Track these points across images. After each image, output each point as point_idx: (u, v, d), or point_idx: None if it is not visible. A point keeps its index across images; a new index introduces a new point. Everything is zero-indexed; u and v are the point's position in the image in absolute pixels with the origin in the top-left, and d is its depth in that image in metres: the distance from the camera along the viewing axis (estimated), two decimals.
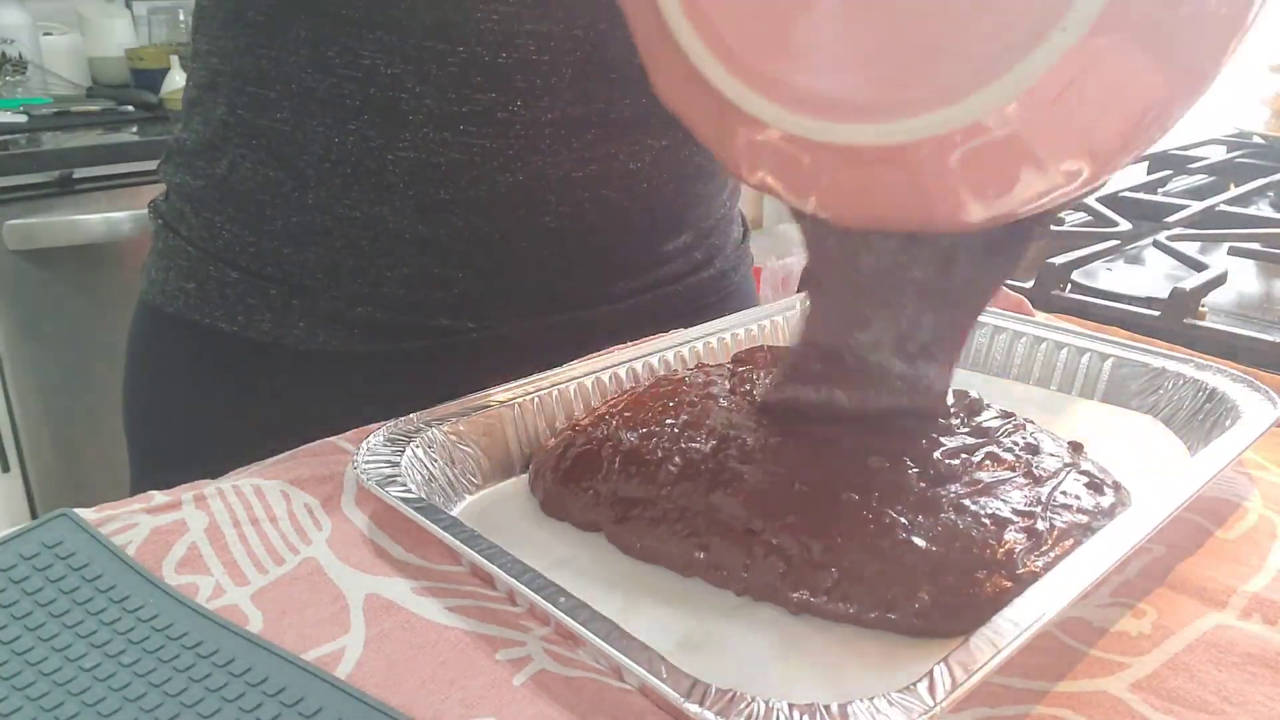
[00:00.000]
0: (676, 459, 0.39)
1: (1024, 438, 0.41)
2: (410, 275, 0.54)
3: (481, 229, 0.53)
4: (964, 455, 0.39)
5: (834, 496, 0.36)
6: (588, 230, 0.56)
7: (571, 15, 0.50)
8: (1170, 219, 0.84)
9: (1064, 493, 0.38)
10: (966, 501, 0.36)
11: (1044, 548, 0.34)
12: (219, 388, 0.57)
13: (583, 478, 0.39)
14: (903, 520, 0.35)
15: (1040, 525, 0.35)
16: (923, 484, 0.37)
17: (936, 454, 0.39)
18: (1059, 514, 0.36)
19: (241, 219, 0.55)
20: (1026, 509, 0.36)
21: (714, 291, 0.65)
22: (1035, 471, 0.39)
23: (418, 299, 0.54)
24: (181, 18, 1.93)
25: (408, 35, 0.49)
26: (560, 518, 0.39)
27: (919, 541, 0.34)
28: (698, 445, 0.40)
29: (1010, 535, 0.34)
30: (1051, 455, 0.40)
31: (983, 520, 0.35)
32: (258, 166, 0.53)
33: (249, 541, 0.37)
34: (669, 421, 0.42)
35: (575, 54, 0.51)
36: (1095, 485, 0.39)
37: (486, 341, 0.56)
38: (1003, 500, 0.36)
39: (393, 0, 0.48)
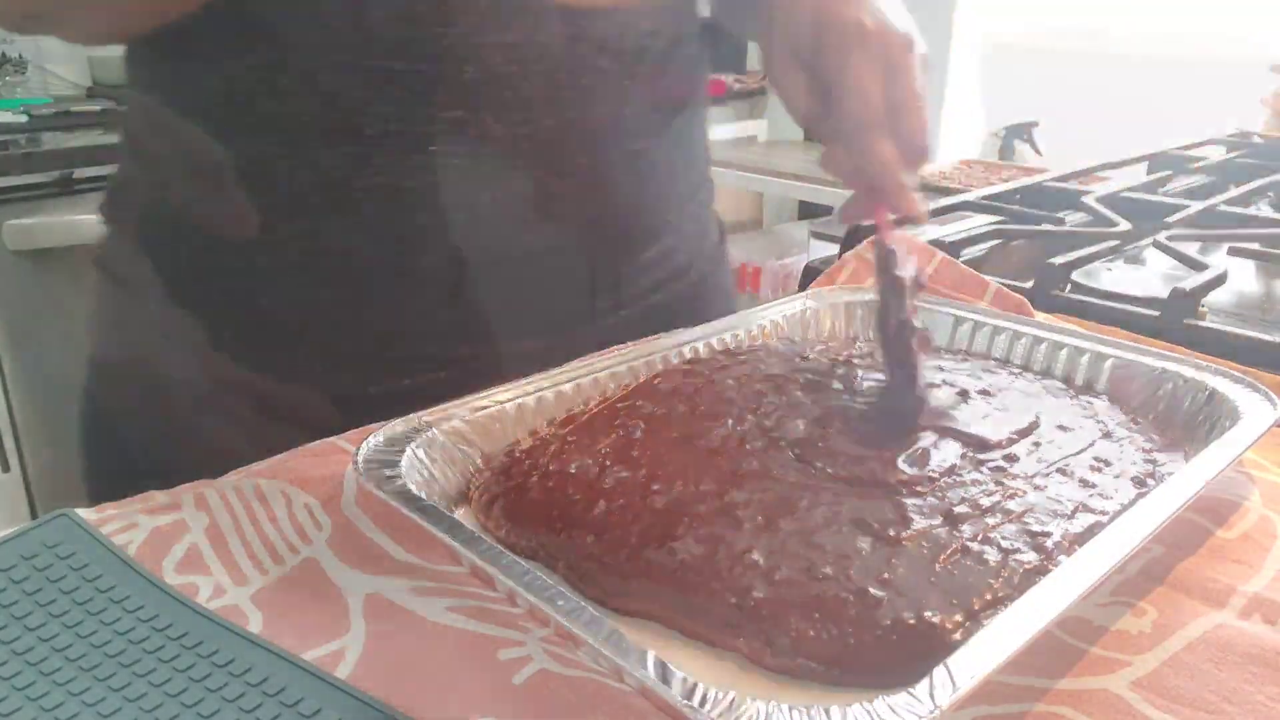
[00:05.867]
0: (603, 503, 0.37)
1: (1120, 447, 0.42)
2: (390, 305, 0.51)
3: (462, 254, 0.51)
4: (997, 484, 0.38)
5: (806, 571, 0.32)
6: (571, 246, 0.54)
7: (537, 23, 0.48)
8: (1170, 219, 0.84)
9: (1101, 494, 0.38)
10: (973, 544, 0.34)
11: (1053, 560, 0.33)
12: (183, 436, 0.54)
13: (512, 521, 0.38)
14: (886, 595, 0.31)
15: (1052, 541, 0.34)
16: (924, 534, 0.35)
17: (954, 496, 0.37)
18: (1079, 519, 0.36)
19: (204, 258, 0.51)
20: (1043, 530, 0.35)
21: (699, 296, 0.64)
22: (1092, 479, 0.39)
23: (399, 329, 0.52)
24: None
25: (365, 55, 0.46)
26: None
27: (909, 618, 0.31)
28: (628, 479, 0.38)
29: (1014, 562, 0.33)
30: (1130, 463, 0.40)
31: (985, 559, 0.33)
32: (217, 202, 0.50)
33: (249, 542, 0.37)
34: (604, 450, 0.40)
35: (544, 62, 0.49)
36: (1140, 481, 0.39)
37: (479, 370, 0.52)
38: (1024, 523, 0.35)
39: (346, 21, 0.46)
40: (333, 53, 0.47)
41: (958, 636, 0.30)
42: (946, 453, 0.40)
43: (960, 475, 0.39)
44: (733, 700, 0.25)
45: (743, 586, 0.32)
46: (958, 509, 0.37)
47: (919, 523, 0.35)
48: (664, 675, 0.26)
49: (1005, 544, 0.34)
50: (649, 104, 0.55)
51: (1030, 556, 0.34)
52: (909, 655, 0.30)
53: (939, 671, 0.26)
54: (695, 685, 0.26)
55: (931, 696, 0.25)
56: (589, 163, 0.53)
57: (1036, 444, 0.42)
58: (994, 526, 0.35)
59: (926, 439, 0.42)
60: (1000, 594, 0.32)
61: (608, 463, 0.39)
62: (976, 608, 0.31)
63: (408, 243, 0.51)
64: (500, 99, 0.49)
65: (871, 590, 0.32)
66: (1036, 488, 0.38)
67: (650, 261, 0.60)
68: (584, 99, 0.52)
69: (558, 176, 0.52)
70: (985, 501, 0.37)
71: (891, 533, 0.35)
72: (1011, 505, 0.37)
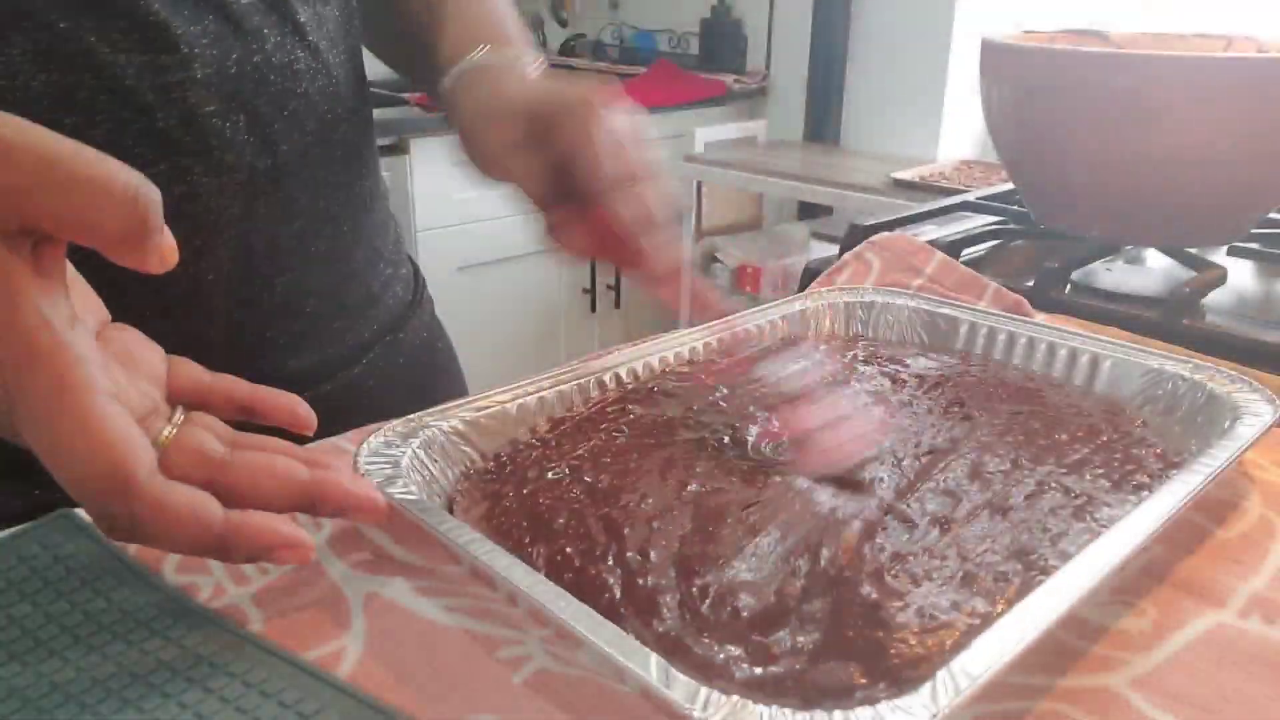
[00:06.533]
0: (565, 515, 0.36)
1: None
2: None
3: (198, 322, 0.47)
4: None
5: (780, 588, 0.32)
6: (313, 288, 0.51)
7: (224, 51, 0.44)
8: None
9: (1099, 499, 0.38)
10: (970, 559, 0.34)
11: (1044, 574, 0.33)
12: None
13: (491, 528, 0.37)
14: (884, 606, 0.31)
15: (1049, 551, 0.34)
16: (919, 544, 0.35)
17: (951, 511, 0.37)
18: (1076, 526, 0.36)
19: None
20: (1030, 545, 0.35)
21: (424, 326, 0.63)
22: (1091, 482, 0.38)
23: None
24: None
25: (16, 111, 0.38)
26: None
27: (901, 626, 0.31)
28: (595, 492, 0.38)
29: (1003, 584, 0.33)
30: (1129, 466, 0.40)
31: (980, 575, 0.33)
32: None
33: None
34: (577, 461, 0.40)
35: (242, 95, 0.45)
36: (1138, 484, 0.39)
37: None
38: (1023, 529, 0.36)
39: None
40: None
41: (950, 648, 0.30)
42: (943, 467, 0.41)
43: (960, 487, 0.39)
44: (736, 703, 0.25)
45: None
46: (954, 518, 0.37)
47: (918, 533, 0.36)
48: (666, 678, 0.26)
49: (1001, 556, 0.34)
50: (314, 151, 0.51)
51: (1019, 567, 0.34)
52: (903, 663, 0.30)
53: (942, 673, 0.26)
54: (698, 688, 0.26)
55: (934, 698, 0.25)
56: (311, 199, 0.50)
57: (1033, 450, 0.42)
58: (990, 541, 0.35)
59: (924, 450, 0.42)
60: (999, 603, 0.32)
61: (578, 473, 0.39)
62: (973, 620, 0.31)
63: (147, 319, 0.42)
64: (204, 145, 0.44)
65: (863, 596, 0.32)
66: (1031, 496, 0.38)
67: (382, 288, 0.57)
68: (291, 128, 0.48)
69: (289, 218, 0.49)
70: (983, 511, 0.37)
71: (888, 544, 0.35)
72: (1010, 513, 0.37)
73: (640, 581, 0.33)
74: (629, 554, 0.34)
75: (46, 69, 0.40)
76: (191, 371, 0.37)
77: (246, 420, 0.37)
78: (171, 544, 0.29)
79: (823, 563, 0.33)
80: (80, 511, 0.37)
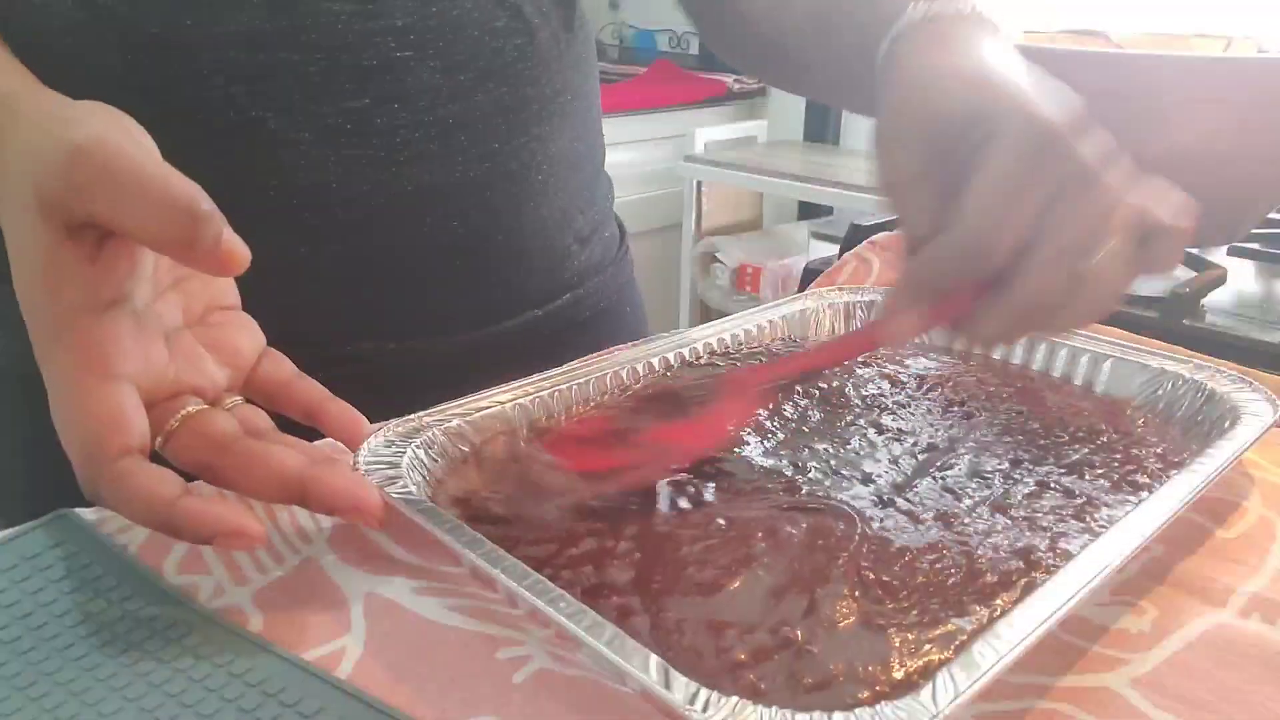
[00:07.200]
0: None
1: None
2: (313, 302, 0.50)
3: (383, 247, 0.50)
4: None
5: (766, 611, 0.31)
6: (491, 233, 0.54)
7: (424, 4, 0.48)
8: None
9: (1098, 502, 0.38)
10: (975, 561, 0.34)
11: (1045, 573, 0.33)
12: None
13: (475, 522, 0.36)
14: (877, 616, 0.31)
15: (1046, 558, 0.34)
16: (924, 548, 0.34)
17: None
18: (1075, 529, 0.36)
19: None
20: (1031, 545, 0.35)
21: (614, 289, 0.64)
22: (1091, 486, 0.38)
23: (324, 326, 0.50)
24: None
25: (253, 49, 0.45)
26: None
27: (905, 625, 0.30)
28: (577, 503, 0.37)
29: (1006, 583, 0.33)
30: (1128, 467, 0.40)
31: (985, 571, 0.33)
32: None
33: None
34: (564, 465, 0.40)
35: (438, 45, 0.49)
36: (1136, 485, 0.39)
37: (411, 364, 0.53)
38: (1027, 533, 0.36)
39: (216, 13, 0.44)
40: (210, 51, 0.44)
41: (951, 648, 0.30)
42: (941, 466, 0.41)
43: (959, 486, 0.39)
44: (735, 704, 0.25)
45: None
46: (955, 512, 0.37)
47: (922, 527, 0.36)
48: (666, 680, 0.26)
49: (1005, 553, 0.34)
50: (541, 85, 0.54)
51: (1021, 565, 0.34)
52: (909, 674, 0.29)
53: (942, 673, 0.26)
54: (698, 690, 0.26)
55: (934, 698, 0.25)
56: (498, 148, 0.52)
57: (1033, 450, 0.42)
58: (993, 538, 0.35)
59: (930, 455, 0.42)
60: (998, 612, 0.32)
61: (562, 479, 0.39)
62: (977, 620, 0.31)
63: (327, 239, 0.49)
64: (402, 86, 0.48)
65: (859, 610, 0.32)
66: (1031, 496, 0.38)
67: (569, 247, 0.59)
68: (483, 81, 0.51)
69: (476, 160, 0.51)
70: (983, 509, 0.37)
71: (895, 540, 0.35)
72: (1010, 512, 0.37)
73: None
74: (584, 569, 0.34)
75: (277, 15, 0.45)
76: (275, 369, 0.40)
77: (314, 428, 0.40)
78: (128, 516, 0.32)
79: (820, 610, 0.31)
80: (80, 511, 0.37)
